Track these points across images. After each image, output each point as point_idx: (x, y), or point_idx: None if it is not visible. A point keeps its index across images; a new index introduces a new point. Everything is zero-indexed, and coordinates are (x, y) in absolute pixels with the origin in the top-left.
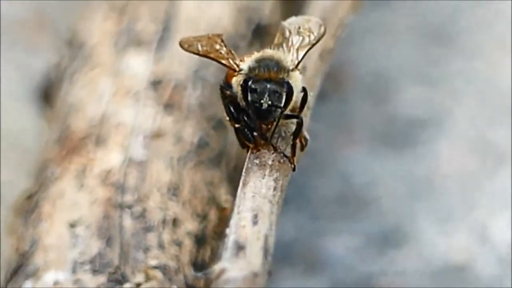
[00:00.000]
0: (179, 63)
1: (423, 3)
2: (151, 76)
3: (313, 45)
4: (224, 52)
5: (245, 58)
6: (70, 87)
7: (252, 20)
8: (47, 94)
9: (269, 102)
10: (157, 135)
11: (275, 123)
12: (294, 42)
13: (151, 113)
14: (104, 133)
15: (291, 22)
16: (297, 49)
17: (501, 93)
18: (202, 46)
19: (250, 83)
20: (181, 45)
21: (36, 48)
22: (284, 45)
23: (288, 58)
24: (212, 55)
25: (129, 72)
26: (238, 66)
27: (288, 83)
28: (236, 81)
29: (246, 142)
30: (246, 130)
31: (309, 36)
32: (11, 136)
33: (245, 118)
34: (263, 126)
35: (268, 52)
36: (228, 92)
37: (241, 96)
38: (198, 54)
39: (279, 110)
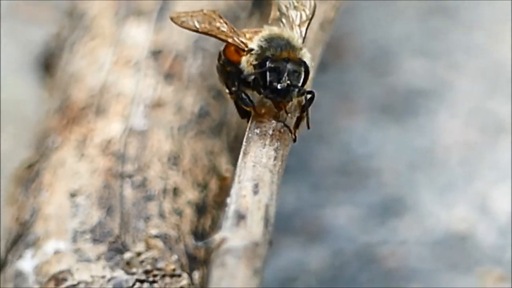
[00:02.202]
0: (180, 33)
1: None
2: (152, 46)
3: (310, 20)
4: (227, 29)
5: (247, 35)
6: (70, 57)
7: None
8: (48, 64)
9: (288, 82)
10: (157, 104)
11: (293, 102)
12: (294, 18)
13: (152, 83)
14: (104, 103)
15: None
16: (299, 25)
17: (501, 65)
18: (199, 22)
19: (268, 63)
20: (173, 21)
21: (37, 19)
22: (284, 21)
23: (295, 35)
24: (213, 33)
25: (130, 42)
26: (245, 45)
27: (305, 63)
28: (247, 60)
29: (246, 107)
30: (243, 95)
31: (304, 10)
32: (11, 106)
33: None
34: (281, 105)
35: (274, 30)
36: (229, 68)
37: (258, 76)
38: (196, 31)
39: (297, 89)
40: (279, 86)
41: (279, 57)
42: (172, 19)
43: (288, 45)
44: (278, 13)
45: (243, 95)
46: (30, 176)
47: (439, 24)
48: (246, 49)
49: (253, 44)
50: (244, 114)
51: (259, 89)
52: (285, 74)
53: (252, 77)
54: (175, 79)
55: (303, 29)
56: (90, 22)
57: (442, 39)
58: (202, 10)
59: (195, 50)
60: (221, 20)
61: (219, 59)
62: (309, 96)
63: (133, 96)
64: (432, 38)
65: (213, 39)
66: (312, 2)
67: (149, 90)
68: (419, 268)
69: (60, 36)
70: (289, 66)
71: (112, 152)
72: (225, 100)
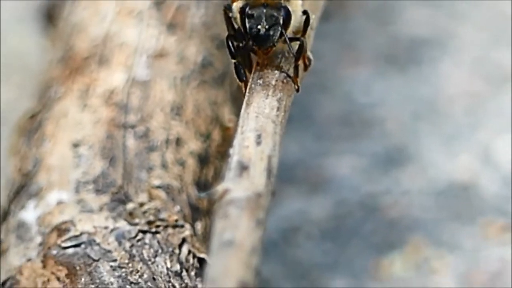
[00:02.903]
0: None
1: None
2: None
3: None
4: None
5: None
6: (73, 7)
7: None
8: (50, 15)
9: (267, 27)
10: (160, 54)
11: (275, 48)
12: None
13: (155, 33)
14: (107, 53)
15: None
16: None
17: (505, 15)
18: None
19: (247, 9)
20: None
21: None
22: None
23: None
24: None
25: None
26: None
27: (285, 7)
28: (236, 6)
29: (239, 80)
30: (240, 67)
31: None
32: (14, 57)
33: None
34: (263, 51)
35: None
36: (230, 14)
37: (240, 22)
38: None
39: (278, 34)
40: (257, 31)
41: (257, 3)
42: None
43: None
44: None
45: (240, 67)
46: (32, 126)
47: None
48: None
49: None
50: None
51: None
52: (263, 19)
53: (238, 23)
54: (178, 29)
55: None
56: None
57: None
58: None
59: (198, 0)
60: None
61: (225, 5)
62: (298, 43)
63: (136, 46)
64: None
65: None
66: None
67: (152, 40)
68: (422, 218)
69: None
70: (266, 10)
71: (115, 103)
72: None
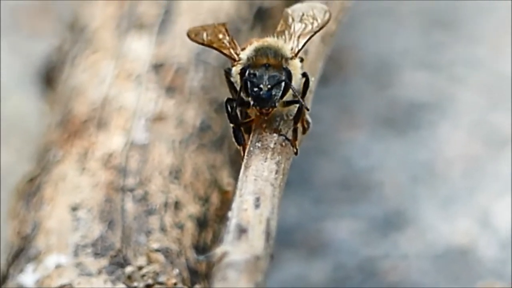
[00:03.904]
0: (181, 46)
1: None
2: (153, 59)
3: (316, 32)
4: (227, 41)
5: (248, 45)
6: (72, 70)
7: (253, 3)
8: (49, 78)
9: (269, 86)
10: (159, 118)
11: (275, 109)
12: (296, 29)
13: (153, 96)
14: (106, 116)
15: (295, 9)
16: (299, 37)
17: (503, 78)
18: (207, 35)
19: (249, 69)
20: (188, 35)
21: (38, 32)
22: (286, 32)
23: (288, 46)
24: (215, 45)
25: (131, 55)
26: (238, 55)
27: (286, 68)
28: (235, 70)
29: (237, 144)
30: (238, 131)
31: (312, 23)
32: (12, 120)
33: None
34: (264, 111)
35: (268, 41)
36: (232, 78)
37: (241, 84)
38: (203, 44)
39: (279, 95)
40: (259, 91)
41: (259, 62)
42: (188, 33)
43: (274, 54)
44: (283, 25)
45: (238, 133)
46: (31, 189)
47: (441, 37)
48: (236, 59)
49: (243, 54)
50: (239, 142)
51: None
52: (265, 80)
53: (237, 87)
54: (177, 92)
55: (303, 40)
56: (91, 35)
57: (443, 52)
58: (214, 24)
59: (197, 63)
60: (225, 33)
61: (226, 68)
62: (297, 106)
63: (135, 109)
64: (433, 51)
65: (215, 52)
66: (327, 15)
67: (151, 103)
68: (421, 282)
69: (61, 49)
70: (268, 70)
71: (114, 166)
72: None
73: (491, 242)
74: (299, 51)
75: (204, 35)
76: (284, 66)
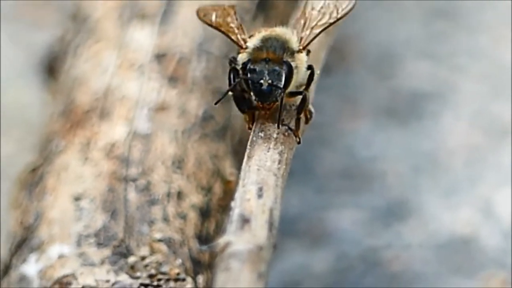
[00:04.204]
0: (184, 36)
1: None
2: (156, 49)
3: (332, 24)
4: (235, 26)
5: (256, 33)
6: (74, 60)
7: None
8: (51, 68)
9: (269, 81)
10: (161, 108)
11: (278, 103)
12: (311, 19)
13: (156, 86)
14: (108, 106)
15: None
16: (312, 27)
17: (505, 68)
18: (216, 17)
19: (249, 64)
20: (197, 13)
21: (41, 22)
22: (302, 21)
23: (295, 38)
24: (222, 29)
25: (134, 45)
26: (245, 42)
27: (287, 62)
28: (241, 58)
29: (241, 110)
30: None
31: (331, 13)
32: (15, 110)
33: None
34: (265, 106)
35: (277, 31)
36: (235, 66)
37: (242, 75)
38: (211, 25)
39: (280, 90)
40: (260, 86)
41: (259, 58)
42: (197, 11)
43: (280, 47)
44: (300, 13)
45: (237, 97)
46: (34, 180)
47: (443, 27)
48: (243, 47)
49: (250, 43)
50: (243, 110)
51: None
52: (265, 75)
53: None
54: (179, 82)
55: (316, 31)
56: (94, 25)
57: (445, 42)
58: (224, 5)
59: (199, 53)
60: (234, 16)
61: (231, 56)
62: (300, 97)
63: (137, 99)
64: (435, 41)
65: (217, 41)
66: (351, 3)
67: (153, 93)
68: (423, 272)
69: (64, 39)
70: (269, 66)
71: (116, 156)
72: (229, 103)
73: (493, 232)
74: (308, 43)
75: (213, 16)
76: (285, 60)
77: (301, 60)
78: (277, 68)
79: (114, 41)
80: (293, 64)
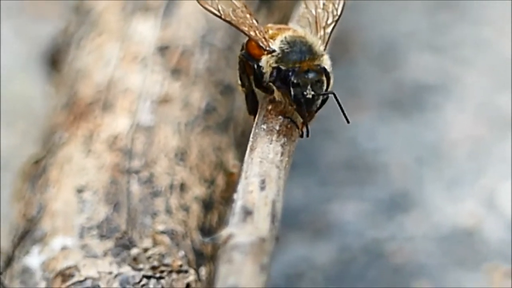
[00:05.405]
0: (186, 29)
1: None
2: (159, 41)
3: (337, 21)
4: (250, 21)
5: (271, 32)
6: (77, 52)
7: None
8: (54, 60)
9: (313, 93)
10: (164, 100)
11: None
12: (320, 18)
13: (159, 79)
14: (111, 98)
15: None
16: (324, 27)
17: (509, 60)
18: (223, 8)
19: (291, 77)
20: (198, 1)
21: (43, 15)
22: (310, 19)
23: (318, 40)
24: (236, 23)
25: (137, 38)
26: (268, 44)
27: (325, 69)
28: (267, 61)
29: (249, 111)
30: (252, 99)
31: (332, 11)
32: (18, 102)
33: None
34: (306, 113)
35: (299, 32)
36: (250, 63)
37: (281, 86)
38: (219, 17)
39: (321, 97)
40: (304, 99)
41: (301, 69)
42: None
43: (310, 51)
44: (306, 10)
45: (252, 96)
46: (37, 172)
47: (446, 19)
48: (267, 48)
49: (275, 45)
50: (252, 111)
51: (271, 90)
52: (309, 86)
53: (268, 78)
54: (182, 74)
55: (328, 31)
56: (97, 17)
57: (449, 33)
58: None
59: (202, 45)
60: (245, 10)
61: (241, 50)
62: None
63: (140, 91)
64: (439, 33)
65: (220, 34)
66: (342, 1)
67: (156, 85)
68: (426, 263)
69: (67, 31)
70: (311, 76)
71: (119, 148)
72: (232, 95)
73: (496, 224)
74: (326, 44)
75: (219, 7)
76: (323, 66)
77: (327, 63)
78: (319, 78)
79: (117, 33)
80: (327, 68)
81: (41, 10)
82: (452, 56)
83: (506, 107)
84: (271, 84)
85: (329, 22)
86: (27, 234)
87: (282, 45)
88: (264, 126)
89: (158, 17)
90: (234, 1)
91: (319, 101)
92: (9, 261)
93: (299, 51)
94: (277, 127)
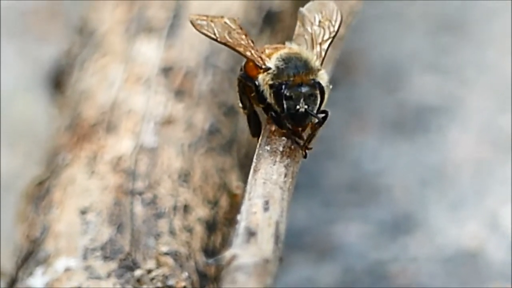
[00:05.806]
0: (190, 50)
1: None
2: (162, 63)
3: (333, 38)
4: (246, 42)
5: (267, 51)
6: (81, 74)
7: (262, 7)
8: (58, 82)
9: (306, 107)
10: (168, 121)
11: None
12: (317, 35)
13: (162, 100)
14: (115, 119)
15: (309, 8)
16: (320, 44)
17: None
18: (218, 31)
19: (284, 90)
20: (192, 24)
21: (47, 36)
22: (307, 37)
23: (314, 56)
24: (232, 45)
25: (140, 59)
26: (263, 62)
27: (319, 83)
28: (263, 79)
29: (253, 134)
30: (254, 120)
31: (328, 27)
32: (21, 123)
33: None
34: (299, 129)
35: (294, 49)
36: (249, 84)
37: (274, 100)
38: (215, 40)
39: (315, 111)
40: (296, 113)
41: (294, 82)
42: (191, 21)
43: (305, 67)
44: (301, 28)
45: (254, 117)
46: (40, 193)
47: (449, 40)
48: (263, 66)
49: (270, 63)
50: (255, 132)
51: (271, 110)
52: (301, 100)
53: (267, 97)
54: (186, 96)
55: (324, 47)
56: (100, 39)
57: (452, 55)
58: (222, 17)
59: (206, 67)
60: (241, 31)
61: (240, 71)
62: (323, 115)
63: (144, 113)
64: (442, 54)
65: (223, 55)
66: (339, 17)
67: (160, 107)
68: (430, 285)
69: (70, 53)
70: (305, 91)
71: (123, 169)
72: (235, 116)
73: (500, 245)
74: (323, 60)
75: (215, 29)
76: (317, 81)
77: (323, 78)
78: (312, 92)
79: (121, 54)
80: (322, 84)
81: (45, 31)
82: (455, 77)
83: (509, 128)
84: (267, 102)
85: (325, 38)
86: (30, 255)
87: (277, 62)
88: (268, 147)
89: (161, 38)
90: (230, 24)
91: (312, 114)
92: (13, 282)
93: (294, 66)
94: (281, 148)
